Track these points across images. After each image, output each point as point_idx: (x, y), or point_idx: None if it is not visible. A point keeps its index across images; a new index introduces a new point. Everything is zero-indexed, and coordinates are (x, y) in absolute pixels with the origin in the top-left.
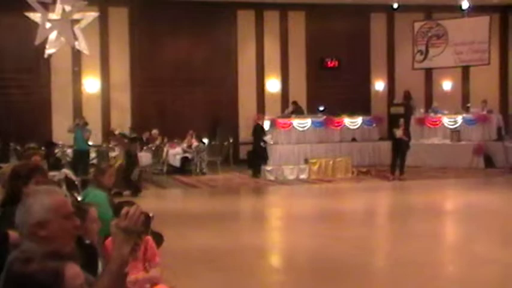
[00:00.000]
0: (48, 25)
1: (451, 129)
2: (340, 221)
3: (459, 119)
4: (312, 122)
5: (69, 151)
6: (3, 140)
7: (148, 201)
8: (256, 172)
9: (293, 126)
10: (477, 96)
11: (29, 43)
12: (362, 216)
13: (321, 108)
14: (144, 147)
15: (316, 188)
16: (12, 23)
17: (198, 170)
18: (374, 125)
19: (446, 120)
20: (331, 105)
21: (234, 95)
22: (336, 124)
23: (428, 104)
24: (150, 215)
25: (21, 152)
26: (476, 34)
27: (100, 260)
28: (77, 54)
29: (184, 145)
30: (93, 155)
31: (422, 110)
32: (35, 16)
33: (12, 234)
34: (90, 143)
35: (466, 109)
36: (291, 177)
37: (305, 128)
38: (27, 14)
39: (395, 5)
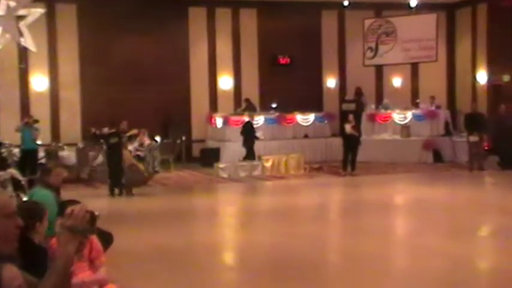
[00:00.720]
0: None
1: (401, 125)
2: (293, 217)
3: (409, 114)
4: (265, 119)
5: (16, 151)
6: None
7: (100, 200)
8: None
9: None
10: (426, 93)
11: None
12: (315, 212)
13: (274, 106)
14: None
15: (269, 184)
16: None
17: (150, 168)
18: (326, 121)
19: (396, 116)
20: (283, 102)
21: (186, 93)
22: (289, 121)
23: (379, 100)
24: (96, 213)
25: None
26: (424, 31)
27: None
28: (23, 52)
29: (136, 143)
30: (41, 154)
31: (373, 106)
32: None
33: None
34: (38, 142)
35: (415, 105)
36: (244, 174)
37: (258, 125)
38: None
39: (346, 3)
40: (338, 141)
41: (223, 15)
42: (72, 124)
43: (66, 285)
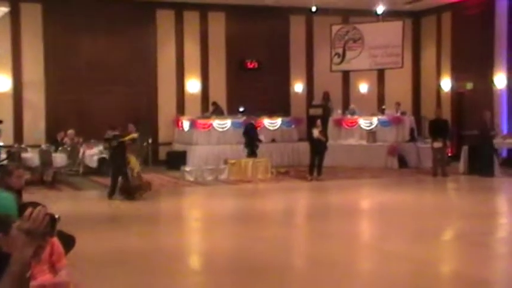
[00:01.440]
0: None
1: (367, 130)
2: (259, 221)
3: (375, 120)
4: (232, 123)
5: None
6: None
7: (63, 203)
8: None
9: (213, 127)
10: (392, 99)
11: None
12: (281, 217)
13: (241, 109)
14: (59, 148)
15: (235, 188)
16: None
17: None
18: (293, 126)
19: (363, 122)
20: (251, 106)
21: (153, 95)
22: (256, 125)
23: (346, 106)
24: (56, 216)
25: None
26: (390, 38)
27: None
28: None
29: (101, 146)
30: (3, 156)
31: (339, 112)
32: None
33: None
34: (0, 143)
35: (381, 111)
36: (210, 178)
37: (225, 129)
38: None
39: (313, 8)
40: (305, 146)
41: (191, 18)
42: (36, 125)
43: None
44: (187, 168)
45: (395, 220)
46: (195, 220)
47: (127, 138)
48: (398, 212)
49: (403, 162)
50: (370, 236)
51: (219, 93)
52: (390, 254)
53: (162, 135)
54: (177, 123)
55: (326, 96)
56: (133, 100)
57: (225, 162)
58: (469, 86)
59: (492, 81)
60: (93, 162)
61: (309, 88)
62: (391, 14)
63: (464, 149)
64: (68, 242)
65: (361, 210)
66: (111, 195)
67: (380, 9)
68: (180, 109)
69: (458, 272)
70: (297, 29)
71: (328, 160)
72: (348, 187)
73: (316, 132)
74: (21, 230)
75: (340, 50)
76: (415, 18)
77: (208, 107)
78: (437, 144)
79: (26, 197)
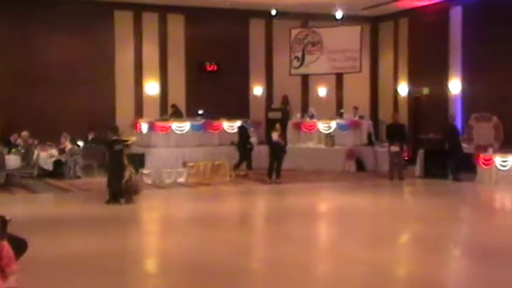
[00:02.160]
0: None
1: (325, 134)
2: (217, 224)
3: (333, 124)
4: (191, 126)
5: None
6: None
7: (17, 206)
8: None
9: (172, 130)
10: (350, 103)
11: None
12: (239, 220)
13: (200, 112)
14: (13, 150)
15: (194, 191)
16: None
17: (71, 174)
18: (252, 129)
19: (321, 126)
20: (210, 109)
21: (111, 97)
22: (215, 128)
23: (305, 109)
24: (7, 218)
25: None
26: (349, 43)
27: None
28: None
29: (56, 149)
30: None
31: (298, 115)
32: None
33: None
34: None
35: (340, 115)
36: (169, 180)
37: (184, 132)
38: None
39: (273, 12)
40: (264, 149)
41: (150, 20)
42: None
43: None
44: (145, 171)
45: (352, 223)
46: (153, 223)
47: (130, 141)
48: (356, 215)
49: (360, 166)
50: (327, 239)
51: (178, 96)
52: (347, 257)
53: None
54: (135, 125)
55: (285, 100)
56: (90, 102)
57: (184, 165)
58: (425, 91)
59: (447, 87)
60: (48, 165)
61: (268, 91)
62: (349, 19)
63: (420, 153)
64: (20, 246)
65: (319, 213)
66: (116, 199)
67: (339, 14)
68: (139, 111)
69: (413, 274)
70: (256, 32)
71: (286, 163)
72: (306, 190)
73: (275, 136)
74: None
75: (299, 54)
76: (373, 23)
77: (167, 110)
78: (394, 148)
79: None
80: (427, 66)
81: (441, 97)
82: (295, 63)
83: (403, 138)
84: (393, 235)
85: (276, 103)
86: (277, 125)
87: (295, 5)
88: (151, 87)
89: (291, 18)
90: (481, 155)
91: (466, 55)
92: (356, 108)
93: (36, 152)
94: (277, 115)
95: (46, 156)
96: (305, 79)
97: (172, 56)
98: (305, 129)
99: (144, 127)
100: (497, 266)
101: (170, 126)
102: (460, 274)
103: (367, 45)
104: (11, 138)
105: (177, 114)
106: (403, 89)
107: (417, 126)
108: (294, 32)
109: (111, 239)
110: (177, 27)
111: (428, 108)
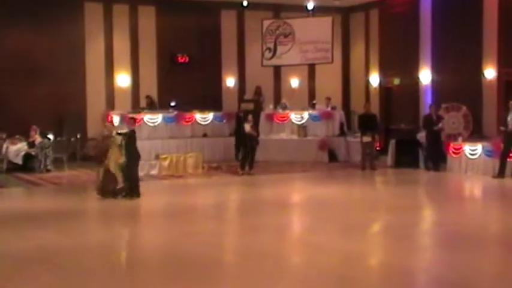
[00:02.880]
0: None
1: (298, 125)
2: (190, 216)
3: (305, 115)
4: (163, 118)
5: None
6: None
7: None
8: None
9: (144, 122)
10: (322, 94)
11: None
12: (212, 211)
13: (173, 104)
14: None
15: (166, 183)
16: None
17: (42, 167)
18: (225, 121)
19: (294, 116)
20: (182, 101)
21: (81, 90)
22: (187, 120)
23: (277, 101)
24: None
25: None
26: (321, 34)
27: None
28: None
29: (26, 142)
30: None
31: (271, 106)
32: None
33: None
34: None
35: (312, 106)
36: (141, 173)
37: (156, 124)
38: None
39: (245, 3)
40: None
41: (121, 12)
42: None
43: None
44: None
45: (325, 213)
46: (124, 216)
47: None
48: (328, 205)
49: (333, 156)
50: (300, 229)
51: (150, 88)
52: (320, 247)
53: (91, 130)
54: (106, 118)
55: (258, 91)
56: (60, 94)
57: (156, 157)
58: (396, 81)
59: (418, 77)
60: (18, 159)
61: (241, 83)
62: (321, 10)
63: (392, 143)
64: None
65: (291, 204)
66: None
67: (310, 4)
68: (110, 104)
69: (384, 262)
70: (228, 23)
71: (259, 155)
72: (279, 181)
73: (247, 127)
74: None
75: (271, 45)
76: (344, 14)
77: (139, 102)
78: (366, 139)
79: None
80: (398, 57)
81: (412, 87)
82: (267, 54)
83: (375, 129)
84: (365, 224)
85: (249, 94)
86: (250, 116)
87: None
88: (123, 79)
89: (263, 9)
90: (451, 144)
91: (435, 46)
92: (328, 98)
93: (5, 146)
94: (250, 106)
95: (15, 150)
96: (277, 70)
97: (143, 48)
98: (277, 120)
99: (116, 119)
100: (465, 253)
101: (142, 119)
102: (429, 261)
103: (339, 36)
104: None
105: (151, 106)
106: (375, 79)
107: (388, 116)
108: (266, 23)
109: (82, 233)
110: (148, 19)
111: (399, 99)
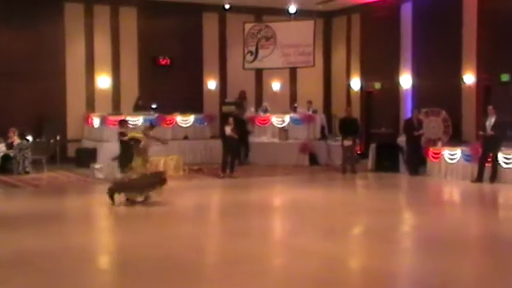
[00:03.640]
0: None
1: (279, 128)
2: (170, 219)
3: (287, 118)
4: (144, 120)
5: None
6: None
7: None
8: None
9: None
10: (303, 97)
11: None
12: (193, 214)
13: (153, 106)
14: None
15: None
16: None
17: (20, 169)
18: (206, 123)
19: (275, 120)
20: (164, 103)
21: (61, 91)
22: (168, 122)
23: (259, 104)
24: None
25: None
26: (302, 37)
27: None
28: None
29: (4, 143)
30: None
31: (252, 109)
32: None
33: None
34: None
35: (293, 109)
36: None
37: (137, 126)
38: None
39: (226, 6)
40: (218, 143)
41: (102, 13)
42: None
43: None
44: (97, 166)
45: (306, 216)
46: (105, 218)
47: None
48: (309, 208)
49: (314, 160)
50: (281, 233)
51: (130, 90)
52: (301, 250)
53: (71, 131)
54: (87, 119)
55: (242, 95)
56: (40, 95)
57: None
58: (377, 85)
59: (398, 82)
60: None
61: (222, 85)
62: (303, 14)
63: (372, 147)
64: None
65: (273, 207)
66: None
67: (292, 8)
68: (90, 105)
69: (365, 265)
70: (210, 26)
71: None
72: (260, 184)
73: (228, 130)
74: None
75: (253, 48)
76: (326, 18)
77: (120, 104)
78: (347, 142)
79: None
80: (379, 61)
81: (392, 92)
82: (249, 57)
83: (355, 133)
84: (346, 227)
85: (230, 97)
86: (230, 119)
87: None
88: (103, 81)
89: (244, 12)
90: (431, 149)
91: (416, 50)
92: (309, 102)
93: None
94: (232, 109)
95: None
96: (259, 73)
97: (124, 50)
98: (259, 124)
99: (96, 121)
100: (444, 257)
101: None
102: (409, 264)
103: (320, 40)
104: None
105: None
106: (356, 83)
107: (369, 120)
108: (248, 26)
109: (61, 235)
110: (129, 20)
111: (380, 103)
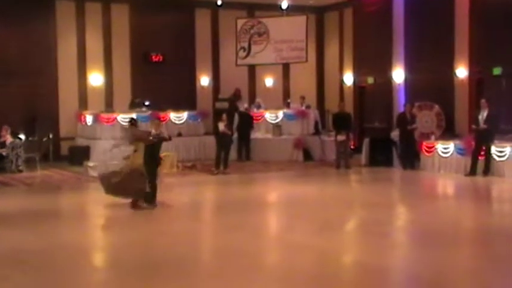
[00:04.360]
0: None
1: (272, 124)
2: (164, 215)
3: (280, 114)
4: (137, 117)
5: None
6: None
7: None
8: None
9: (117, 121)
10: (297, 93)
11: None
12: (187, 210)
13: (146, 103)
14: None
15: None
16: None
17: (13, 167)
18: (199, 119)
19: (268, 115)
20: (157, 100)
21: (53, 89)
22: (162, 119)
23: (252, 100)
24: None
25: None
26: (295, 33)
27: None
28: None
29: None
30: None
31: (246, 105)
32: None
33: None
34: None
35: (287, 105)
36: None
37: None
38: None
39: (219, 2)
40: (211, 140)
41: (93, 10)
42: None
43: None
44: (90, 164)
45: (300, 212)
46: (99, 216)
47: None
48: (304, 204)
49: (307, 155)
50: (276, 228)
51: (123, 87)
52: (295, 245)
53: (64, 129)
54: (79, 117)
55: (237, 93)
56: (32, 94)
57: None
58: (370, 80)
59: (391, 76)
60: None
61: (215, 81)
62: (295, 9)
63: (366, 142)
64: None
65: (267, 202)
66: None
67: (284, 4)
68: (83, 103)
69: (359, 260)
70: (202, 22)
71: (234, 154)
72: (254, 180)
73: (221, 126)
74: None
75: (245, 44)
76: (318, 13)
77: (112, 101)
78: (341, 137)
79: None
80: (372, 56)
81: (385, 86)
82: (242, 53)
83: (349, 127)
84: (340, 222)
85: (223, 93)
86: (224, 116)
87: None
88: (96, 79)
89: (237, 8)
90: (424, 143)
91: (408, 45)
92: (303, 97)
93: None
94: (225, 105)
95: None
96: (252, 69)
97: (116, 47)
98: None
99: (89, 119)
100: (438, 250)
101: (115, 118)
102: (403, 259)
103: (313, 35)
104: None
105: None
106: (349, 78)
107: (362, 115)
108: (240, 22)
109: (55, 233)
110: (121, 17)
111: (373, 98)
